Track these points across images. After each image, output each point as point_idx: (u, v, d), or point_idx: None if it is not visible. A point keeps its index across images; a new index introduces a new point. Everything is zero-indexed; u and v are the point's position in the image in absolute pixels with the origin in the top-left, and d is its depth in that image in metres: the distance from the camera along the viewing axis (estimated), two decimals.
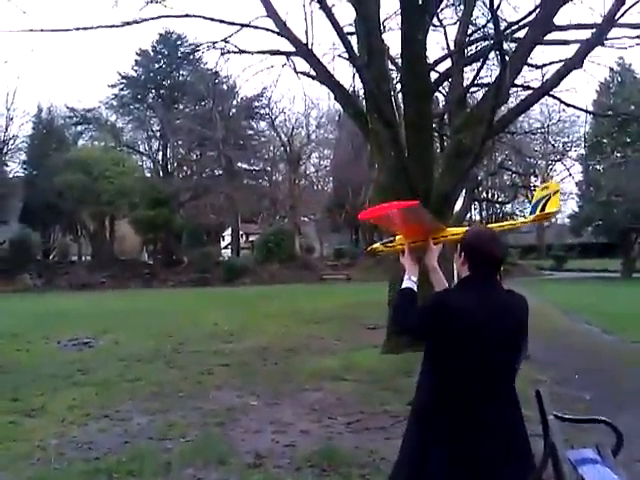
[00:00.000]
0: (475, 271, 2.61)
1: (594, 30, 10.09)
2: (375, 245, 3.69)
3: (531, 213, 3.35)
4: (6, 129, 44.46)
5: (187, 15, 11.82)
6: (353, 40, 11.35)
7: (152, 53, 49.25)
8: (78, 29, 11.18)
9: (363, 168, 40.96)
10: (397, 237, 3.33)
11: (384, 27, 12.50)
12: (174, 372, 9.33)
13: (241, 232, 49.74)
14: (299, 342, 12.07)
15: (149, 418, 6.59)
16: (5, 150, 45.12)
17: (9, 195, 43.35)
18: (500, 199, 44.46)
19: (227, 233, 50.33)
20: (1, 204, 42.68)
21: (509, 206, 47.97)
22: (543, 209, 3.27)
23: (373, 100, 10.36)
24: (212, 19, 11.69)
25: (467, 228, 2.94)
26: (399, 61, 11.87)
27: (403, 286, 2.85)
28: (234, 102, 46.70)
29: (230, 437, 5.88)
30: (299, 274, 37.96)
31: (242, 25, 11.62)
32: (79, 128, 50.98)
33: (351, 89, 13.17)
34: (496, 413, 2.48)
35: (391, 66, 12.86)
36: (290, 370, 9.15)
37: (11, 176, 46.42)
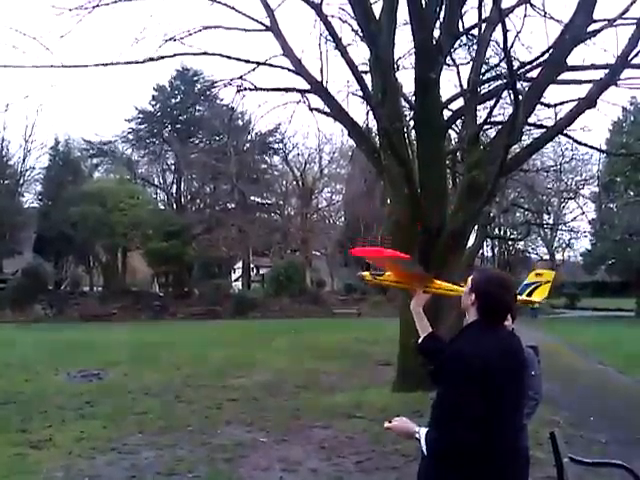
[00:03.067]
0: (486, 317, 2.58)
1: (607, 70, 10.19)
2: (365, 273, 3.79)
3: (519, 293, 3.45)
4: (23, 160, 45.23)
5: (205, 53, 12.06)
6: (367, 78, 11.53)
7: (169, 89, 50.12)
8: (98, 65, 11.44)
9: (375, 203, 41.09)
10: (387, 272, 3.42)
11: (398, 66, 12.70)
12: (183, 406, 9.26)
13: (252, 265, 49.78)
14: (309, 378, 11.96)
15: (157, 452, 6.53)
16: (21, 181, 45.79)
17: (24, 226, 43.82)
18: (513, 236, 44.30)
19: (238, 266, 50.36)
20: (16, 234, 43.12)
21: (522, 243, 47.76)
22: (530, 294, 3.38)
23: (386, 137, 10.46)
24: (229, 57, 11.93)
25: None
26: (413, 99, 12.02)
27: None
28: (248, 137, 47.28)
29: (238, 474, 5.81)
30: (309, 308, 37.79)
31: (258, 63, 11.85)
32: (95, 161, 51.68)
33: (365, 126, 13.31)
34: (511, 455, 2.46)
35: (405, 104, 13.01)
36: (300, 406, 9.05)
37: (26, 207, 47.01)
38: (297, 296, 39.27)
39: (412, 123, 11.99)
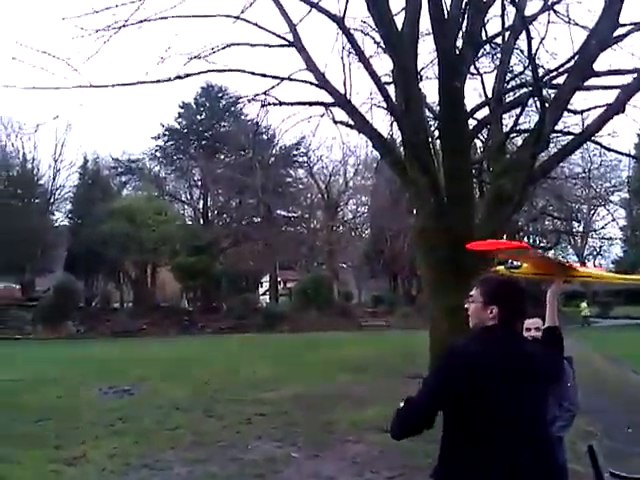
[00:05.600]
0: (505, 323, 2.55)
1: (635, 75, 10.05)
2: (499, 267, 3.69)
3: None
4: (53, 179, 46.16)
5: (230, 70, 12.21)
6: (390, 89, 11.55)
7: (194, 105, 50.76)
8: (125, 84, 11.65)
9: (401, 214, 40.93)
10: (524, 265, 3.36)
11: (421, 76, 12.69)
12: (213, 421, 9.27)
13: (279, 279, 49.88)
14: (339, 391, 11.87)
15: (188, 468, 6.54)
16: (52, 200, 46.70)
17: (55, 244, 44.63)
18: (542, 245, 43.74)
19: (265, 280, 50.52)
20: (47, 253, 43.90)
21: (552, 252, 47.10)
22: None
23: (411, 148, 10.45)
24: (254, 73, 12.06)
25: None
26: (437, 109, 11.99)
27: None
28: (273, 151, 47.58)
29: None
30: (337, 321, 37.63)
31: (282, 78, 11.95)
32: (123, 178, 52.47)
33: (389, 137, 13.31)
34: (529, 469, 2.39)
35: (429, 114, 12.99)
36: (331, 420, 8.99)
37: (57, 225, 47.90)
38: (325, 309, 39.16)
39: (437, 133, 11.96)
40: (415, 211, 12.47)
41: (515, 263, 3.43)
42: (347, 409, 9.89)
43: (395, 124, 12.12)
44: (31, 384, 13.36)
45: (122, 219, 39.39)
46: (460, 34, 10.96)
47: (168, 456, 7.08)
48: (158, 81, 11.62)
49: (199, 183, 50.65)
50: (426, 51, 15.41)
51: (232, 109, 43.22)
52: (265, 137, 43.15)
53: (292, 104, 12.38)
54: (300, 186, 52.22)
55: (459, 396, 2.40)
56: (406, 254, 43.02)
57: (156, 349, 23.93)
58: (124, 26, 10.96)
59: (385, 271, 49.25)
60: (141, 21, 11.16)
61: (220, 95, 50.13)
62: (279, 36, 11.66)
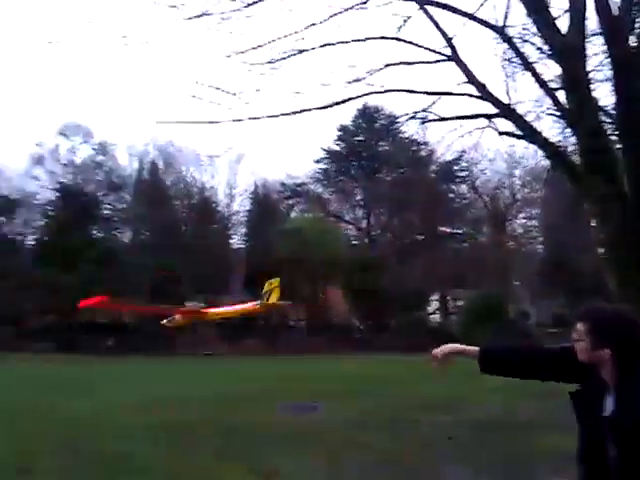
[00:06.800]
0: (625, 369, 2.14)
1: None
2: (163, 322, 4.14)
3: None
4: (229, 206, 49.70)
5: (388, 90, 12.26)
6: (559, 95, 10.95)
7: (352, 128, 51.96)
8: (289, 114, 12.11)
9: (580, 227, 37.95)
10: (177, 316, 3.75)
11: (590, 80, 11.88)
12: (398, 440, 9.24)
13: (448, 297, 48.87)
14: (524, 416, 11.24)
15: None
16: (229, 225, 50.24)
17: (234, 266, 47.81)
18: None
19: (434, 298, 49.73)
20: (227, 275, 47.13)
21: None
22: (268, 299, 4.21)
23: (590, 155, 9.81)
24: (413, 91, 12.01)
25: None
26: (613, 112, 11.14)
27: None
28: (433, 167, 47.14)
29: None
30: (514, 342, 35.79)
31: (442, 93, 11.78)
32: (290, 201, 54.96)
33: (561, 146, 12.59)
34: None
35: (605, 118, 12.09)
36: (521, 447, 8.52)
37: (235, 248, 51.36)
38: (499, 329, 37.44)
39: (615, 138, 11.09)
40: (596, 223, 11.60)
41: (170, 318, 3.80)
42: (540, 435, 9.25)
43: (567, 131, 11.41)
44: (216, 400, 14.07)
45: (292, 240, 41.20)
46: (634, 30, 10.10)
47: (356, 474, 7.19)
48: (323, 107, 11.94)
49: (361, 203, 51.57)
50: (593, 52, 14.41)
51: (390, 128, 43.59)
52: (424, 153, 42.91)
53: (453, 119, 12.17)
54: (463, 201, 51.03)
55: None
56: (589, 270, 39.79)
57: (333, 367, 24.33)
58: (288, 57, 11.41)
59: (564, 289, 45.94)
60: (301, 51, 11.51)
61: (376, 115, 50.83)
62: (436, 51, 11.53)
